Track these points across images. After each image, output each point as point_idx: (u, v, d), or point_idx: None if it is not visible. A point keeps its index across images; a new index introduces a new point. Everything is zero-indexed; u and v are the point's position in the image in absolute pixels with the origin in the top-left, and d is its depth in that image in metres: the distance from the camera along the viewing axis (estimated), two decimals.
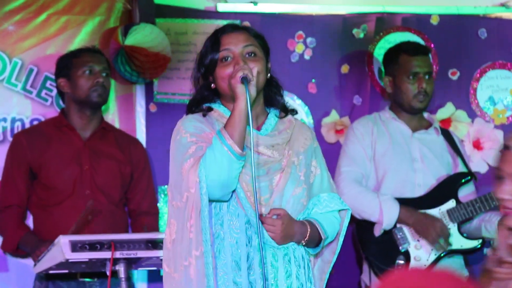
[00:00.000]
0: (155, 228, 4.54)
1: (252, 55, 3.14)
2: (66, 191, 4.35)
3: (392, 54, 4.70)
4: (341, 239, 3.27)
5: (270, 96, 3.24)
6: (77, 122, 4.45)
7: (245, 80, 3.01)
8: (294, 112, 3.30)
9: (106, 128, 4.52)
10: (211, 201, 3.04)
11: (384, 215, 4.44)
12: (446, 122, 5.09)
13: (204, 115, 3.18)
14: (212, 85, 3.17)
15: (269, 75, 3.21)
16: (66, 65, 4.43)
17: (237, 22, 4.88)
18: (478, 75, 5.19)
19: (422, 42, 5.07)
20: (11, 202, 4.39)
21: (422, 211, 4.52)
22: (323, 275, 3.31)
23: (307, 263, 3.20)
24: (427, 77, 4.62)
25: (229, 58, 3.13)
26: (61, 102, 4.69)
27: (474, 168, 4.91)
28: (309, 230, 3.13)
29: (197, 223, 2.99)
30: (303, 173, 3.18)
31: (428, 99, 4.64)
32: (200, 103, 3.21)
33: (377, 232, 4.50)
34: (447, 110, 5.12)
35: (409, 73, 4.61)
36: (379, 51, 5.11)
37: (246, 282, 3.04)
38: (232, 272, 3.05)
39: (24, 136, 4.44)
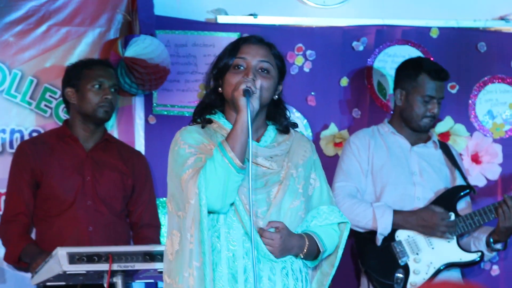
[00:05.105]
0: (157, 241, 4.51)
1: (265, 71, 3.15)
2: (68, 201, 4.34)
3: (411, 70, 4.69)
4: (340, 252, 3.25)
5: (275, 116, 3.24)
6: (80, 133, 4.45)
7: (247, 93, 3.02)
8: (294, 125, 3.29)
9: (109, 140, 4.52)
10: (210, 212, 3.03)
11: (378, 220, 4.45)
12: (445, 135, 5.09)
13: (202, 127, 3.18)
14: (219, 89, 3.18)
15: (276, 96, 3.22)
16: (76, 75, 4.42)
17: (237, 34, 4.91)
18: (477, 88, 5.19)
19: (421, 55, 5.07)
20: (18, 211, 4.36)
21: None
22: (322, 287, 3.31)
23: (305, 276, 3.19)
24: (439, 102, 4.65)
25: (241, 67, 3.14)
26: (60, 113, 4.69)
27: (472, 182, 4.92)
28: (307, 243, 3.13)
29: (197, 234, 2.99)
30: (301, 185, 3.17)
31: (434, 121, 4.68)
32: (205, 110, 3.21)
33: (378, 241, 4.51)
34: (446, 124, 5.12)
35: (425, 95, 4.62)
36: (379, 64, 5.11)
37: None
38: (228, 285, 3.04)
39: (28, 145, 4.43)
